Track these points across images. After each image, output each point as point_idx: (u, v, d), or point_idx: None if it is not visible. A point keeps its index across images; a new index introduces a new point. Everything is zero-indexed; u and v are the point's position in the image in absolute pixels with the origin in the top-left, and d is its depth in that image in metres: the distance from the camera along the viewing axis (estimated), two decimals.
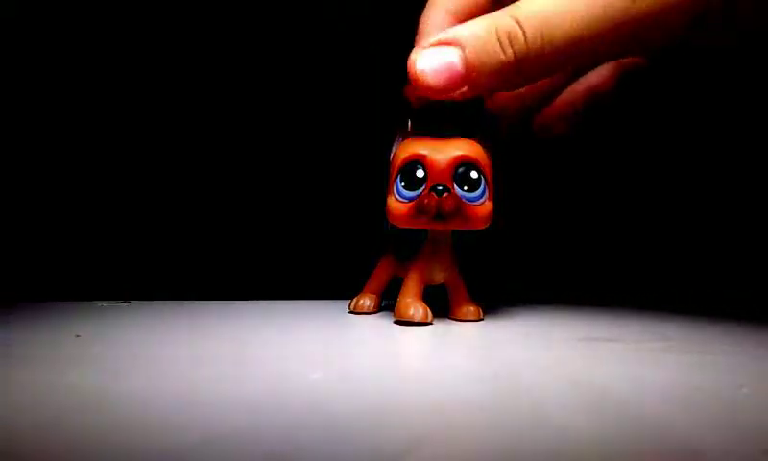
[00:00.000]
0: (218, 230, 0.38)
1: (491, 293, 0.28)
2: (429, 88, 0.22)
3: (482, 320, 0.25)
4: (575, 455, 0.10)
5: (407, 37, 0.26)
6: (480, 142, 0.24)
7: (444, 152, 0.23)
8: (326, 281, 0.36)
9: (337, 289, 0.33)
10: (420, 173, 0.23)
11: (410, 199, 0.23)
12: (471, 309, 0.25)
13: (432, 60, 0.22)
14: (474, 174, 0.23)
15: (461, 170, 0.23)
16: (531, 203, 0.37)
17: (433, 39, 0.22)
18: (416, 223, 0.23)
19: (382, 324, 0.25)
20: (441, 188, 0.22)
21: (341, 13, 0.38)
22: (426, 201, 0.22)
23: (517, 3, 0.21)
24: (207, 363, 0.18)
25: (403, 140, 0.25)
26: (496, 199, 0.23)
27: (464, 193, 0.23)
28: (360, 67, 0.37)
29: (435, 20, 0.24)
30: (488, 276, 0.28)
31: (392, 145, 0.27)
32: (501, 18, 0.21)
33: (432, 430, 0.12)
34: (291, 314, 0.28)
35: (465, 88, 0.22)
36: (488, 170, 0.23)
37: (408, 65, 0.22)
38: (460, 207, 0.22)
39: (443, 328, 0.24)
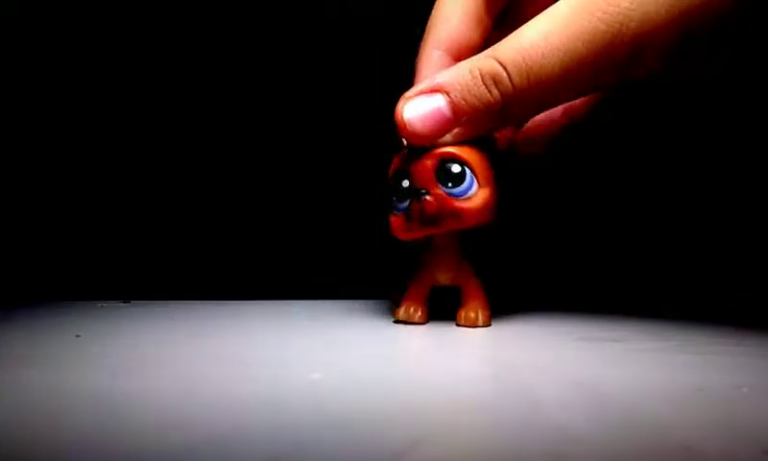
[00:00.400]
0: (218, 230, 0.38)
1: (499, 295, 0.27)
2: (417, 135, 0.22)
3: (488, 326, 0.24)
4: (575, 455, 0.10)
5: (414, 37, 0.26)
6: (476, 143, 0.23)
7: (425, 156, 0.22)
8: (325, 282, 0.36)
9: (335, 289, 0.33)
10: (405, 183, 0.23)
11: (403, 210, 0.23)
12: (472, 315, 0.24)
13: (418, 107, 0.22)
14: (456, 168, 0.22)
15: (443, 168, 0.22)
16: (530, 203, 0.37)
17: (417, 88, 0.22)
18: (412, 233, 0.23)
19: (383, 325, 0.25)
20: (422, 191, 0.22)
21: (349, 13, 0.38)
22: (411, 207, 0.22)
23: (499, 43, 0.21)
24: (207, 363, 0.18)
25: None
26: (502, 192, 0.23)
27: (449, 190, 0.22)
28: (378, 67, 0.37)
29: (432, 60, 0.24)
30: (497, 277, 0.27)
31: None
32: (483, 60, 0.21)
33: (432, 430, 0.12)
34: (291, 314, 0.28)
35: (455, 131, 0.22)
36: (475, 162, 0.22)
37: (395, 115, 0.22)
38: (446, 207, 0.22)
39: (443, 329, 0.24)
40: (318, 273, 0.37)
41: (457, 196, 0.22)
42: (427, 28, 0.25)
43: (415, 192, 0.22)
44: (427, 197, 0.22)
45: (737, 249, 0.37)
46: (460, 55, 0.24)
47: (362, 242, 0.37)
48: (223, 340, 0.22)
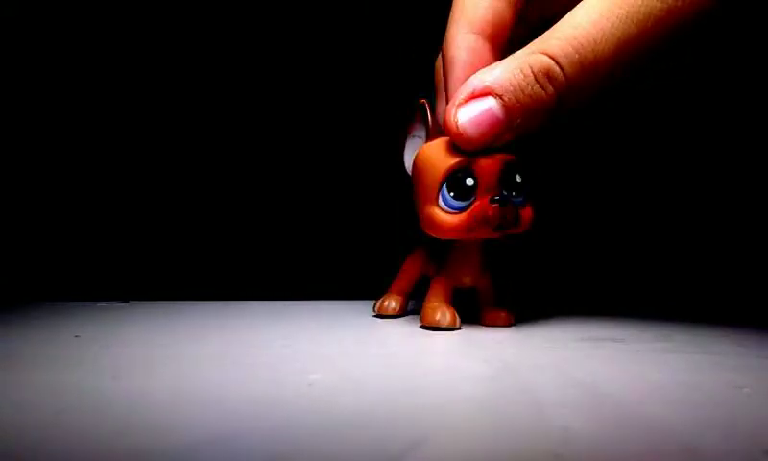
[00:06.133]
0: (217, 230, 0.38)
1: (510, 296, 0.27)
2: (472, 141, 0.21)
3: (513, 326, 0.24)
4: (575, 455, 0.10)
5: (423, 35, 0.25)
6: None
7: (489, 157, 0.22)
8: (325, 282, 0.36)
9: (335, 290, 0.33)
10: (470, 181, 0.22)
11: (461, 209, 0.22)
12: (503, 315, 0.24)
13: (470, 112, 0.21)
14: (518, 177, 0.22)
15: (509, 176, 0.22)
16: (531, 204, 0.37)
17: (466, 92, 0.21)
18: (473, 234, 0.22)
19: (383, 325, 0.25)
20: (499, 198, 0.21)
21: (354, 12, 0.38)
22: (491, 213, 0.21)
23: (546, 35, 0.20)
24: (207, 363, 0.17)
25: (427, 140, 0.24)
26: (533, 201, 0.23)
27: (514, 199, 0.22)
28: (384, 66, 0.37)
29: (465, 45, 0.23)
30: (512, 280, 0.26)
31: (403, 150, 0.26)
32: (533, 57, 0.20)
33: (432, 430, 0.12)
34: (291, 315, 0.28)
35: (508, 135, 0.21)
36: (528, 174, 0.22)
37: (446, 122, 0.21)
38: (518, 213, 0.22)
39: (443, 330, 0.24)
40: (318, 273, 0.37)
41: (519, 205, 0.22)
42: (453, 9, 0.24)
43: (493, 198, 0.21)
44: (510, 205, 0.21)
45: (737, 250, 0.37)
46: (494, 36, 0.23)
47: (362, 242, 0.37)
48: (223, 340, 0.22)
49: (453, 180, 0.22)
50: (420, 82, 0.26)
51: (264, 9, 0.37)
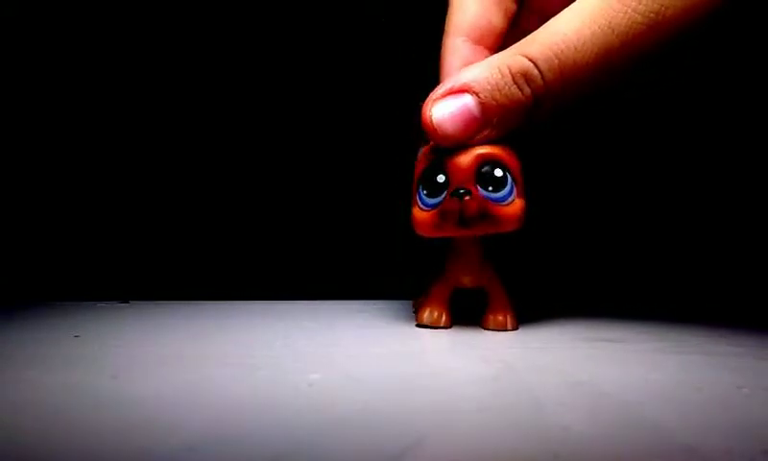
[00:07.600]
0: (218, 230, 0.38)
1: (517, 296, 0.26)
2: (447, 137, 0.21)
3: (515, 330, 0.24)
4: (575, 455, 0.10)
5: (427, 36, 0.25)
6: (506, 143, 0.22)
7: (464, 153, 0.21)
8: (326, 282, 0.36)
9: (336, 290, 0.33)
10: (440, 178, 0.21)
11: (433, 206, 0.21)
12: (500, 318, 0.24)
13: (446, 108, 0.21)
14: (499, 172, 0.21)
15: (484, 170, 0.21)
16: (531, 203, 0.37)
17: (444, 88, 0.21)
18: (441, 232, 0.22)
19: (383, 325, 0.25)
20: (462, 191, 0.21)
21: (361, 13, 0.38)
22: (448, 206, 0.21)
23: (528, 38, 0.21)
24: (207, 363, 0.18)
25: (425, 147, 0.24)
26: (529, 198, 0.22)
27: (488, 194, 0.21)
28: (380, 67, 0.37)
29: (455, 50, 0.24)
30: (515, 279, 0.26)
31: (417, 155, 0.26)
32: (512, 57, 0.20)
33: (432, 430, 0.12)
34: (292, 315, 0.28)
35: (485, 132, 0.21)
36: (515, 168, 0.22)
37: (422, 116, 0.21)
38: (486, 210, 0.21)
39: (444, 330, 0.24)
40: (318, 273, 0.37)
41: (496, 201, 0.21)
42: (447, 16, 0.24)
43: (455, 191, 0.21)
44: (468, 198, 0.21)
45: (737, 249, 0.37)
46: (483, 41, 0.24)
47: (361, 243, 0.37)
48: (222, 340, 0.22)
49: (426, 177, 0.22)
50: (420, 83, 0.26)
51: (265, 9, 0.37)
